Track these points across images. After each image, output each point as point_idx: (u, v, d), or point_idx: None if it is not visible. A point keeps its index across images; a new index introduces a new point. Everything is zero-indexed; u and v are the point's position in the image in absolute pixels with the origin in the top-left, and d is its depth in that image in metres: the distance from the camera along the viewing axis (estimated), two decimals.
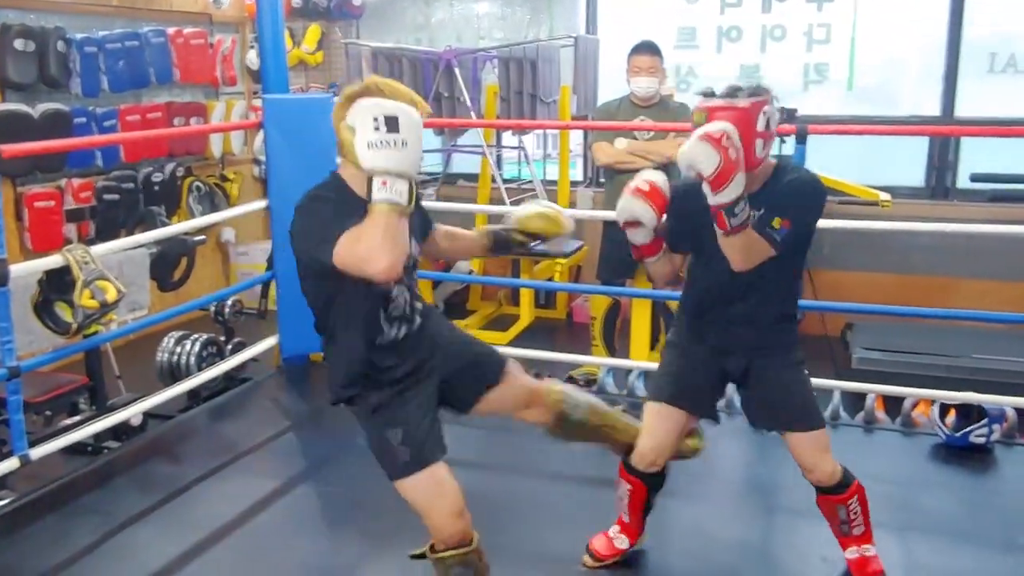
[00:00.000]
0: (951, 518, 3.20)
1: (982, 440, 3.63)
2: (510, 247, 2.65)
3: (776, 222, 2.36)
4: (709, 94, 2.39)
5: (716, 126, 2.27)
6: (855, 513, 2.65)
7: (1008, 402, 3.72)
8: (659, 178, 2.53)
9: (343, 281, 2.07)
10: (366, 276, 1.96)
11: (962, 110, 5.61)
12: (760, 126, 2.34)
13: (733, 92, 2.35)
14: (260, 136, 4.81)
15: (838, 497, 2.62)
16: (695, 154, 2.27)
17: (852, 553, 2.72)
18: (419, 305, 2.34)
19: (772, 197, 2.40)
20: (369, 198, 1.92)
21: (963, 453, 3.65)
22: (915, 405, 3.96)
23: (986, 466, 3.60)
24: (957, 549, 2.98)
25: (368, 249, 1.90)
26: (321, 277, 2.13)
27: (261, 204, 4.38)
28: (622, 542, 2.85)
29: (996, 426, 3.66)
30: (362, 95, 2.06)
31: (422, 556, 2.33)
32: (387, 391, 2.26)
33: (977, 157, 5.64)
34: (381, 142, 1.88)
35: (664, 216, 2.54)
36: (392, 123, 1.89)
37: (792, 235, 2.38)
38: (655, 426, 2.67)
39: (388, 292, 2.21)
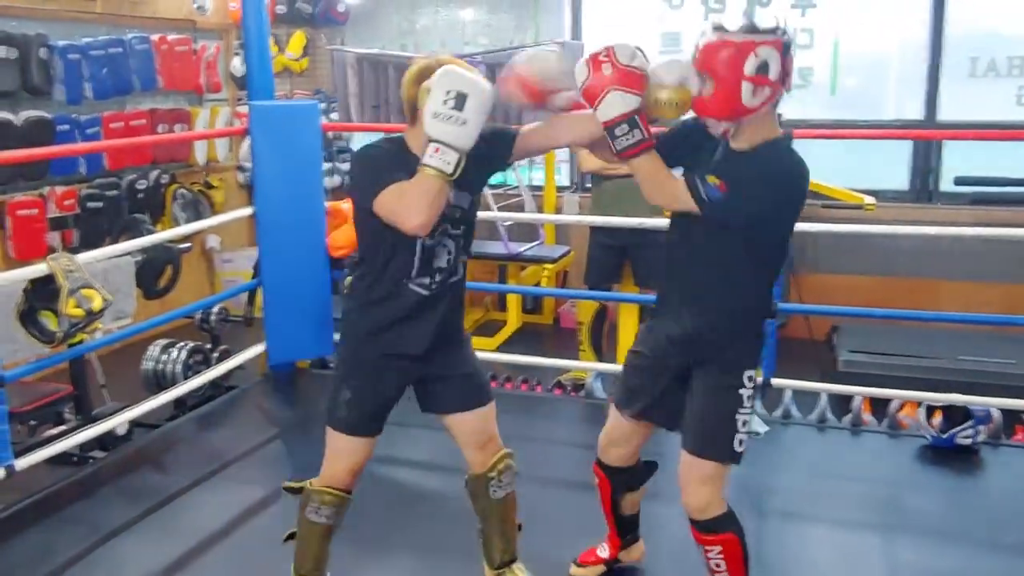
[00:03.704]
0: (937, 519, 3.22)
1: (968, 441, 3.66)
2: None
3: (711, 179, 2.14)
4: (716, 27, 2.15)
5: (607, 49, 2.12)
6: (717, 566, 2.38)
7: (993, 403, 3.75)
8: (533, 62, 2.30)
9: (385, 229, 2.22)
10: (399, 227, 2.15)
11: (944, 114, 5.64)
12: (748, 69, 2.07)
13: (734, 27, 2.11)
14: (246, 143, 4.80)
15: (699, 535, 2.38)
16: (576, 69, 2.16)
17: None
18: (462, 261, 2.41)
19: (740, 164, 2.18)
20: (421, 159, 2.12)
21: (949, 454, 3.67)
22: (901, 407, 3.99)
23: (972, 467, 3.62)
24: (943, 549, 3.00)
25: (406, 206, 2.11)
26: (368, 215, 2.26)
27: (247, 211, 4.37)
28: (603, 551, 2.84)
29: (982, 427, 3.69)
30: (426, 72, 2.18)
31: (299, 490, 2.56)
32: (376, 354, 2.40)
33: (960, 160, 5.68)
34: (446, 115, 2.07)
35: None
36: (461, 100, 2.06)
37: (728, 203, 2.12)
38: (610, 423, 2.61)
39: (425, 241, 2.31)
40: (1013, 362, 4.33)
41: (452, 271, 2.39)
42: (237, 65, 6.15)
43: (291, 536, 2.59)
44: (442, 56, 2.25)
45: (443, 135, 2.08)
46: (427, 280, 2.35)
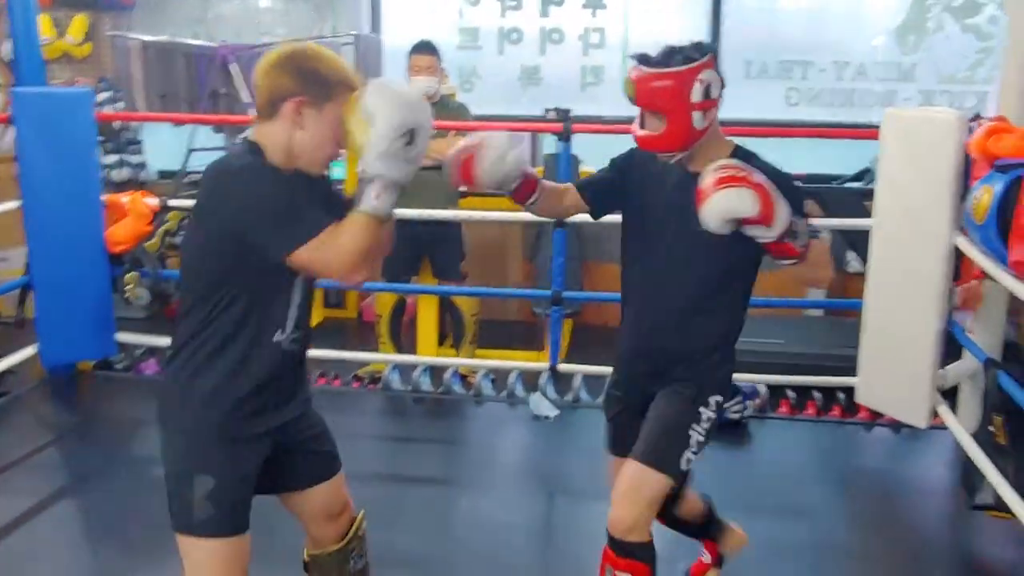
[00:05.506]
0: (709, 487, 3.39)
1: (737, 415, 3.93)
2: None
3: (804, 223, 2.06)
4: (642, 59, 2.07)
5: (724, 171, 1.94)
6: None
7: (760, 380, 4.06)
8: (472, 144, 2.14)
9: (262, 271, 1.79)
10: (331, 278, 1.81)
11: (722, 111, 6.00)
12: (696, 96, 2.05)
13: (665, 58, 2.04)
14: (10, 132, 4.48)
15: (607, 555, 2.17)
16: (729, 206, 1.92)
17: None
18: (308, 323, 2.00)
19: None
20: (354, 202, 1.77)
21: (720, 427, 3.89)
22: None
23: (741, 439, 3.90)
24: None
25: (352, 255, 1.73)
26: (223, 249, 1.78)
27: (13, 204, 4.07)
28: (706, 557, 2.71)
29: (749, 402, 3.98)
30: (298, 57, 1.86)
31: None
32: (235, 430, 1.87)
33: None
34: (399, 154, 1.72)
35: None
36: (412, 135, 1.73)
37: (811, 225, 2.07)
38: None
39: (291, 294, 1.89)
40: (780, 342, 4.67)
41: (309, 314, 1.98)
42: (8, 49, 5.71)
43: None
44: (301, 43, 1.94)
45: (396, 175, 1.74)
46: (298, 334, 1.90)
